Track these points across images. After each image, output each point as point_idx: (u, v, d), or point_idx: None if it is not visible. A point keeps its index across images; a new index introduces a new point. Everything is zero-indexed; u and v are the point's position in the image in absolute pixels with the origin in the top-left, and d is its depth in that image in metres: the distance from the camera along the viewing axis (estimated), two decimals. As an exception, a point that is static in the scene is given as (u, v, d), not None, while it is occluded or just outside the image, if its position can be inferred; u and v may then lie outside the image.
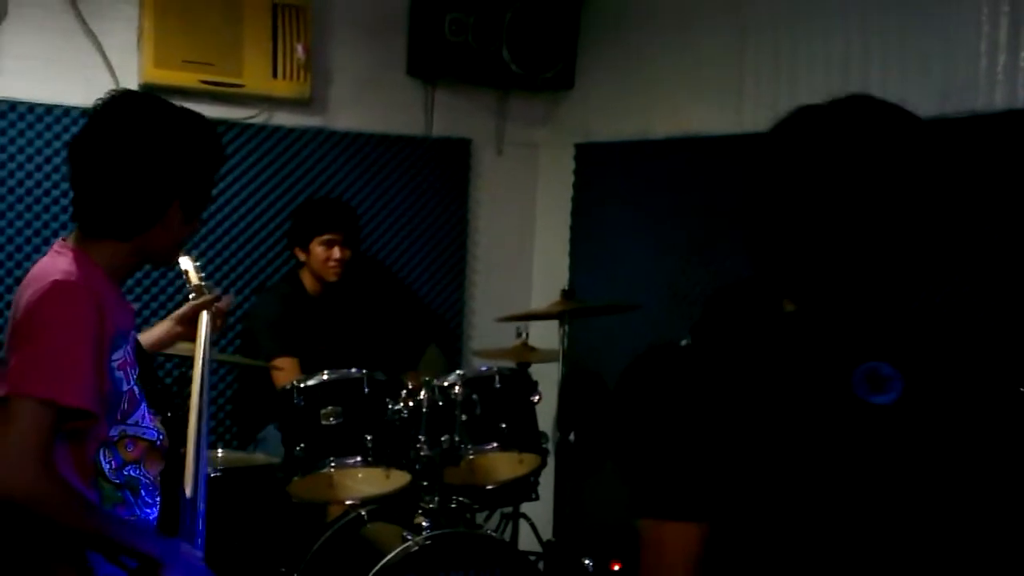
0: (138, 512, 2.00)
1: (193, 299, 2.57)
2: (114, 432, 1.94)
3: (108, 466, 1.93)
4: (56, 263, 1.92)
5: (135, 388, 1.99)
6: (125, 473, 1.96)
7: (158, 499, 2.06)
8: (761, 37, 3.75)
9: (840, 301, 1.34)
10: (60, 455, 1.85)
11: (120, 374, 1.93)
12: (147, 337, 2.48)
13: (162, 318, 2.64)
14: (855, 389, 1.29)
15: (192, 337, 2.49)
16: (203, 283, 2.61)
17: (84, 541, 1.87)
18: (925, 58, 3.18)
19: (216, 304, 2.55)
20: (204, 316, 2.51)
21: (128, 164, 1.93)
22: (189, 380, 3.07)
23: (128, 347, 1.99)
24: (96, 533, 1.84)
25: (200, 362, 2.37)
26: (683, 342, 3.09)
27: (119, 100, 2.01)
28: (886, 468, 1.29)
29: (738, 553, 1.30)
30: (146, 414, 2.03)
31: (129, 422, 1.97)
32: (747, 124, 3.78)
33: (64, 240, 2.00)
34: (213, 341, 2.55)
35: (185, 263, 2.62)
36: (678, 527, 1.30)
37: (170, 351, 2.72)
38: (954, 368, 1.35)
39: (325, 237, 3.81)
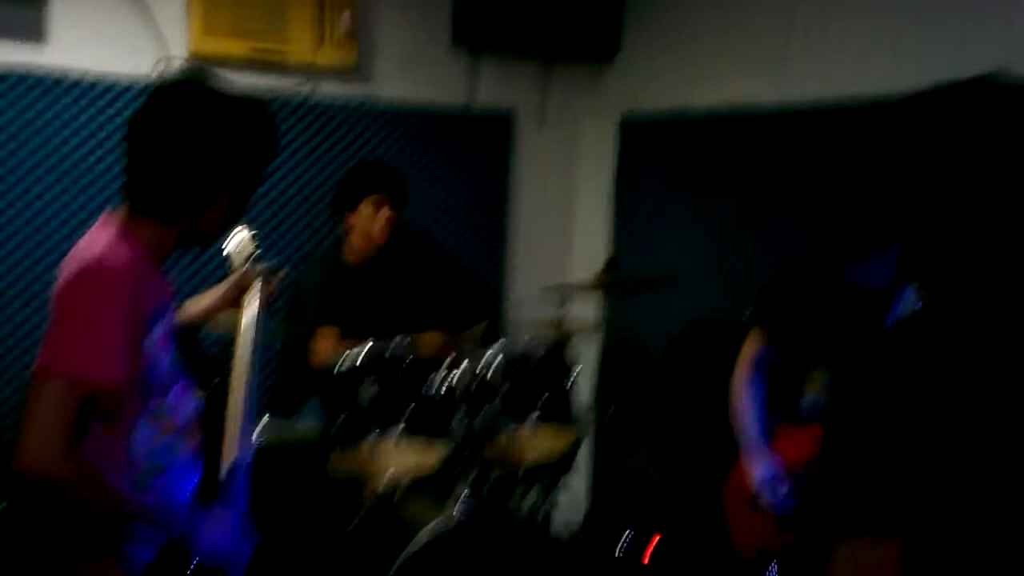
0: (178, 481, 2.05)
1: (247, 268, 2.53)
2: (146, 412, 1.98)
3: (145, 436, 1.98)
4: (99, 239, 1.95)
5: (172, 364, 2.04)
6: (163, 442, 2.01)
7: (199, 466, 2.10)
8: (810, 6, 3.67)
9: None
10: (96, 429, 1.90)
11: (157, 352, 1.97)
12: (200, 303, 2.49)
13: (205, 289, 2.62)
14: None
15: (239, 304, 2.46)
16: (256, 253, 2.58)
17: (106, 520, 1.91)
18: (982, 22, 3.08)
19: (270, 276, 2.54)
20: (255, 285, 2.48)
21: (185, 153, 1.95)
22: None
23: (164, 326, 2.02)
24: (116, 512, 1.90)
25: (248, 331, 2.35)
26: (747, 312, 3.03)
27: (184, 83, 2.01)
28: None
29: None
30: (180, 393, 2.07)
31: (162, 399, 2.01)
32: (794, 95, 3.71)
33: (113, 211, 2.03)
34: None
35: (241, 235, 2.59)
36: (889, 544, 1.18)
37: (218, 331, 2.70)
38: None
39: (373, 197, 3.82)
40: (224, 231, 2.12)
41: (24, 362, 3.71)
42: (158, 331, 1.98)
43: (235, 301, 2.47)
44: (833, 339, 2.73)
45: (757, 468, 2.83)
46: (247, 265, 2.52)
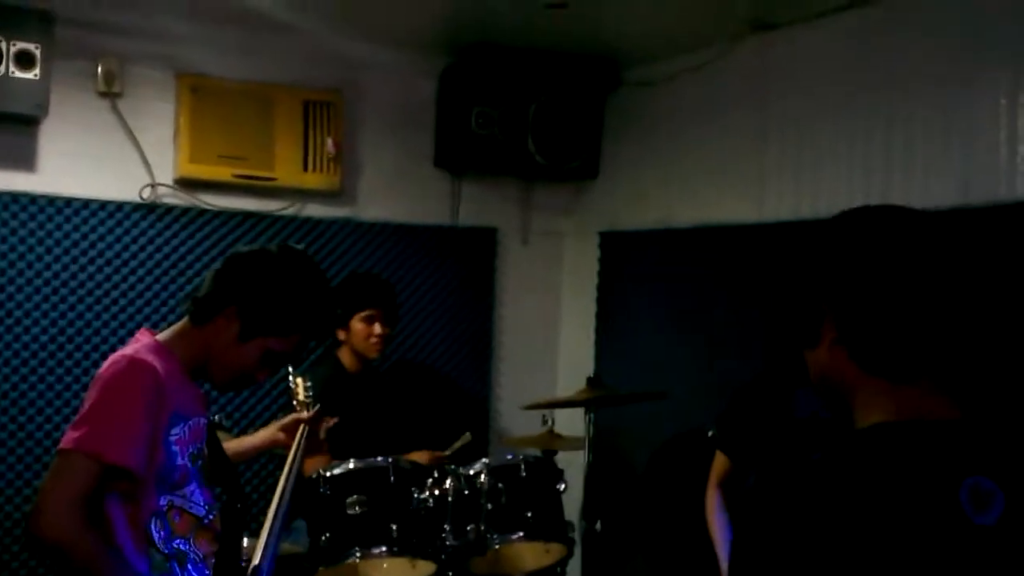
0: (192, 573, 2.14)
1: (296, 412, 2.88)
2: (163, 501, 2.11)
3: (158, 535, 2.10)
4: (132, 346, 2.18)
5: (188, 464, 2.16)
6: (174, 545, 2.13)
7: (213, 566, 2.21)
8: (783, 131, 3.80)
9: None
10: (117, 519, 2.05)
11: (176, 448, 2.12)
12: (250, 440, 2.88)
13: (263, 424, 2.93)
14: (963, 508, 1.20)
15: (288, 445, 2.79)
16: (308, 400, 2.90)
17: None
18: (946, 149, 3.21)
19: (315, 422, 2.87)
20: (301, 428, 2.80)
21: (226, 269, 2.26)
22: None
23: (186, 427, 2.16)
24: None
25: (288, 469, 2.61)
26: (709, 432, 3.08)
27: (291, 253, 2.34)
28: None
29: None
30: (196, 491, 2.20)
31: (177, 493, 2.15)
32: (768, 214, 3.82)
33: (148, 332, 2.26)
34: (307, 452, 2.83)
35: (297, 380, 2.94)
36: None
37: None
38: None
39: (365, 313, 3.81)
40: (237, 370, 2.26)
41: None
42: (180, 430, 2.13)
43: (285, 441, 2.80)
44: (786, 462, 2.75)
45: None
46: (297, 409, 2.88)
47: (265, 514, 2.43)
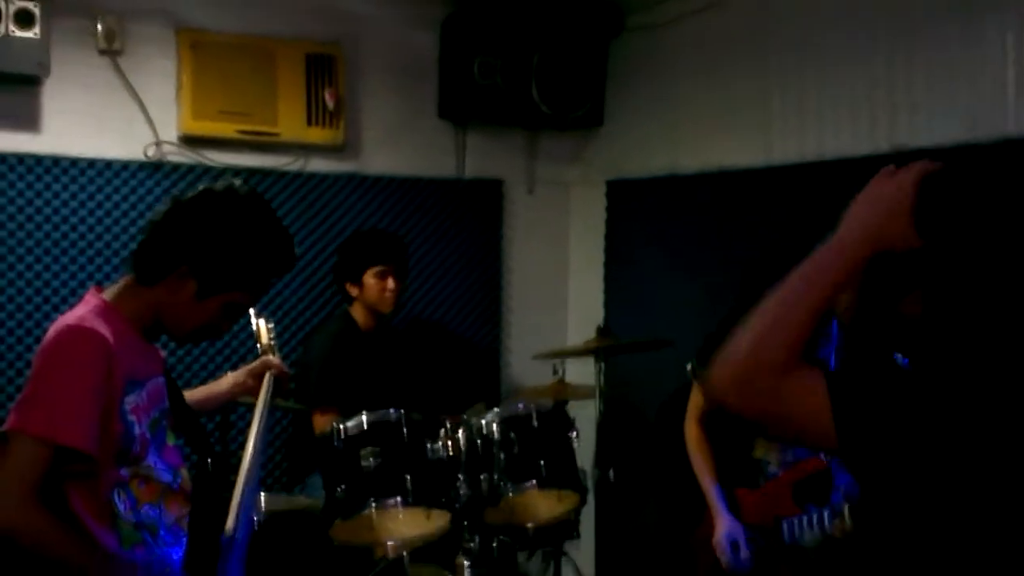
0: (158, 551, 2.05)
1: (263, 357, 2.63)
2: (124, 473, 2.01)
3: (123, 506, 2.01)
4: (76, 311, 2.03)
5: (147, 434, 2.06)
6: (142, 513, 2.04)
7: (183, 540, 2.10)
8: (787, 74, 3.77)
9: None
10: (75, 497, 1.95)
11: (132, 418, 2.01)
12: (215, 387, 2.58)
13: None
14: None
15: (257, 392, 2.53)
16: (272, 343, 2.66)
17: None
18: (952, 87, 3.19)
19: (280, 367, 2.62)
20: (268, 375, 2.54)
21: (171, 227, 2.08)
22: (230, 426, 3.17)
23: (143, 392, 2.06)
24: (84, 567, 1.90)
25: (258, 416, 2.41)
26: (688, 366, 3.03)
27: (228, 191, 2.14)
28: None
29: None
30: (157, 460, 2.09)
31: (141, 464, 2.04)
32: (775, 157, 3.79)
33: (97, 289, 2.11)
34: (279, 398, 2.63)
35: (259, 324, 2.68)
36: None
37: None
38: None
39: (377, 268, 3.82)
40: (192, 323, 2.13)
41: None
42: (136, 397, 2.03)
43: (254, 386, 2.53)
44: None
45: (718, 527, 2.85)
46: (265, 353, 2.62)
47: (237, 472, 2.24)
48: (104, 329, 1.97)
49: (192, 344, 3.48)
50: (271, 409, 2.45)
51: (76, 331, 1.95)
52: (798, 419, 1.35)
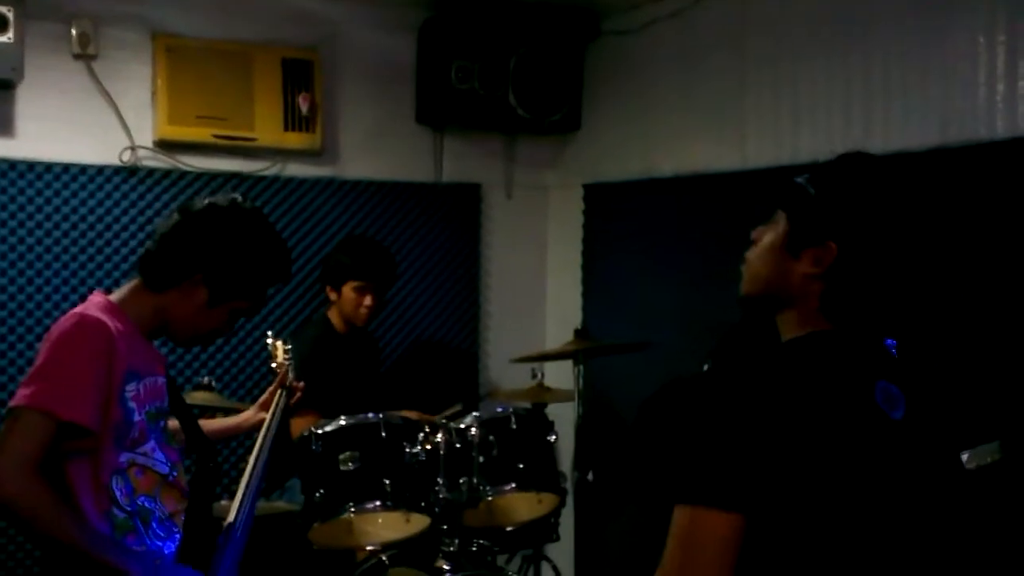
0: (148, 543, 2.11)
1: (276, 374, 2.88)
2: (123, 459, 2.10)
3: (120, 493, 2.08)
4: (83, 306, 2.14)
5: (145, 421, 2.14)
6: (137, 502, 2.10)
7: (174, 535, 2.16)
8: (762, 78, 3.80)
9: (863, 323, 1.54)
10: (78, 481, 2.03)
11: (132, 404, 2.11)
12: (233, 420, 2.82)
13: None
14: (879, 403, 1.48)
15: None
16: (287, 362, 2.91)
17: (63, 552, 1.98)
18: (925, 90, 3.22)
19: (293, 384, 2.84)
20: (279, 394, 2.79)
21: (183, 234, 2.22)
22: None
23: (141, 385, 2.15)
24: (74, 545, 1.95)
25: (266, 430, 2.63)
26: (705, 367, 3.10)
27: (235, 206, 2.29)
28: (901, 474, 1.48)
29: (771, 546, 1.40)
30: (156, 449, 2.17)
31: (138, 451, 2.13)
32: (750, 161, 3.82)
33: (100, 292, 2.22)
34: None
35: (276, 344, 2.95)
36: (713, 515, 1.39)
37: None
38: (942, 393, 1.56)
39: (358, 284, 3.85)
40: (199, 329, 2.28)
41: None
42: (135, 387, 2.12)
43: (261, 421, 2.74)
44: None
45: None
46: (277, 369, 2.89)
47: (240, 477, 2.41)
48: (108, 321, 2.09)
49: (190, 348, 3.59)
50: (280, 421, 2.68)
51: (82, 319, 2.07)
52: None
